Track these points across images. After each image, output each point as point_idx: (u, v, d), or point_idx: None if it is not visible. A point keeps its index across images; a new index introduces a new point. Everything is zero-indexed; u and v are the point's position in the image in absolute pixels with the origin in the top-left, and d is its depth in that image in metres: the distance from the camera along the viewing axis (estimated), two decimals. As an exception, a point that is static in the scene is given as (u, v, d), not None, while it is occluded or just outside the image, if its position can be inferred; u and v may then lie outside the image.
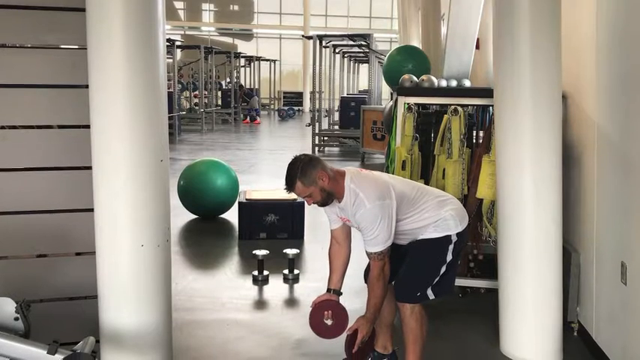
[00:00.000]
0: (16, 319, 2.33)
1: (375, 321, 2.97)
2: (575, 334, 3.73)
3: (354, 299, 4.06)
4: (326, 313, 3.03)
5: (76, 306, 3.14)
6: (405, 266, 3.01)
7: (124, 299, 2.77)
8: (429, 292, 2.97)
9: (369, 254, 2.91)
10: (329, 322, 3.03)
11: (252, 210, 5.94)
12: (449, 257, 2.97)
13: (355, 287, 3.75)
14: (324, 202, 2.94)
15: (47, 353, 2.19)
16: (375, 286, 2.89)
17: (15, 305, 2.34)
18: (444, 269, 2.97)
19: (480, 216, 4.14)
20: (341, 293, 3.11)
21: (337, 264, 3.12)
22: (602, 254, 3.41)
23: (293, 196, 6.08)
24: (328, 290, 3.10)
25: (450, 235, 2.95)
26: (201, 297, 4.45)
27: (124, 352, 2.79)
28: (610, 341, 3.31)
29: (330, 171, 2.91)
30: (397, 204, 2.88)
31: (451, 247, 2.96)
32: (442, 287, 3.01)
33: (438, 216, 2.94)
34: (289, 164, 2.91)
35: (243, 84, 24.19)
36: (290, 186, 2.90)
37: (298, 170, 2.87)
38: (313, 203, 2.96)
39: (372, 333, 3.09)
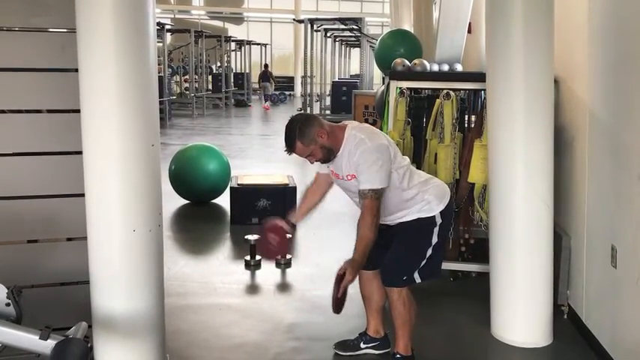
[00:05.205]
0: (8, 304, 2.31)
1: (362, 264, 2.84)
2: (565, 316, 3.76)
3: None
4: (272, 235, 3.19)
5: (67, 291, 3.12)
6: (391, 251, 3.00)
7: (116, 284, 2.76)
8: (416, 275, 2.98)
9: (364, 193, 2.80)
10: (274, 242, 3.20)
11: (244, 195, 5.92)
12: (434, 240, 2.97)
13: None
14: (325, 159, 2.95)
15: (39, 339, 2.17)
16: (367, 228, 2.79)
17: (6, 291, 2.32)
18: (430, 252, 2.98)
19: (472, 200, 4.15)
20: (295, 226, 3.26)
21: (309, 198, 3.24)
22: (593, 238, 3.43)
23: (285, 180, 6.20)
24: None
25: (434, 217, 2.95)
26: (193, 282, 4.45)
27: (117, 336, 2.78)
28: (600, 324, 3.34)
29: (328, 126, 2.91)
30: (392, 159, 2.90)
31: (436, 229, 2.96)
32: (429, 270, 3.02)
33: (421, 197, 2.95)
34: (286, 125, 2.90)
35: (234, 68, 23.91)
36: (290, 147, 2.89)
37: (296, 130, 2.85)
38: (316, 161, 2.97)
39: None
